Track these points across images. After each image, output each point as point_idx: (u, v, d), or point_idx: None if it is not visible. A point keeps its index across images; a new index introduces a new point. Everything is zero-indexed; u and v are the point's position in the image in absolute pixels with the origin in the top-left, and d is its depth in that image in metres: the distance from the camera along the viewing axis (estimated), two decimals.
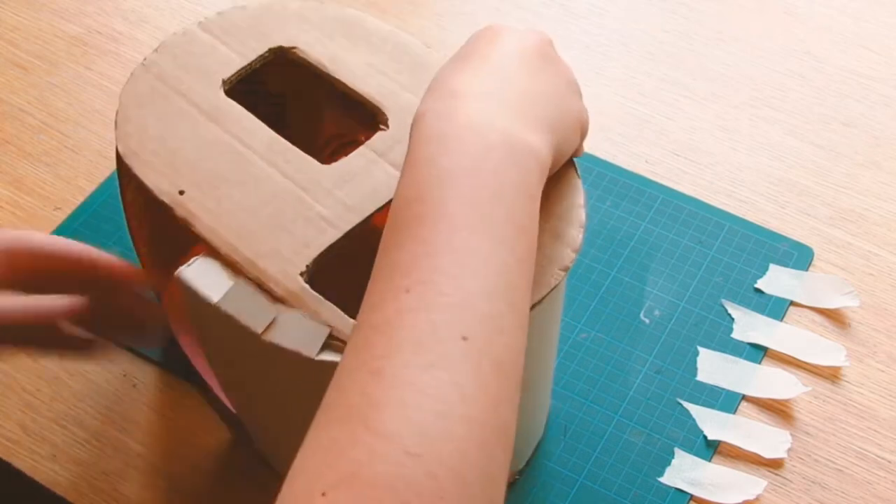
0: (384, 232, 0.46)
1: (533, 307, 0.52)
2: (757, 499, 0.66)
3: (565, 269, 0.54)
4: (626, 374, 0.71)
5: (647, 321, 0.74)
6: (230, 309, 0.52)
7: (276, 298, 0.53)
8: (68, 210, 0.79)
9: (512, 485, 0.66)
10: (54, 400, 0.70)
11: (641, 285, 0.75)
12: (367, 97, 0.61)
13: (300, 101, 0.66)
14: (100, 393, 0.71)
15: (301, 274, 0.53)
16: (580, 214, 0.55)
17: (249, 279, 0.53)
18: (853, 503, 0.66)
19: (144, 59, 0.62)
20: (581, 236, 0.55)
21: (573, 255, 0.54)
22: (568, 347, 0.72)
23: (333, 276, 0.55)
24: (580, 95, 0.54)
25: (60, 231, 0.78)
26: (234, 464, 0.68)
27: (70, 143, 0.84)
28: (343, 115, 0.67)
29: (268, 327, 0.52)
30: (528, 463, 0.67)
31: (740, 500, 0.66)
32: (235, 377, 0.61)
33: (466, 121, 0.47)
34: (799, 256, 0.76)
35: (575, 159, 0.56)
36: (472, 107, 0.48)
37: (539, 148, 0.48)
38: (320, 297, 0.53)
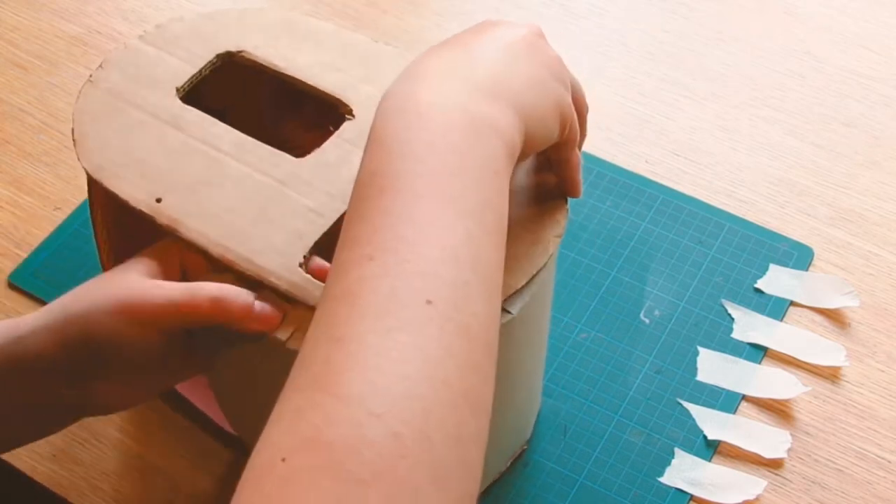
0: (349, 205, 0.46)
1: (531, 279, 0.53)
2: (757, 499, 0.66)
3: (559, 236, 0.55)
4: (626, 374, 0.71)
5: (647, 321, 0.74)
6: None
7: (281, 293, 0.53)
8: (68, 210, 0.79)
9: (495, 482, 0.66)
10: None
11: (641, 285, 0.75)
12: (328, 92, 0.60)
13: (242, 114, 0.65)
14: None
15: (300, 265, 0.53)
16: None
17: (249, 276, 0.53)
18: (853, 503, 0.66)
19: (90, 76, 0.62)
20: (566, 205, 0.56)
21: (564, 222, 0.55)
22: (568, 347, 0.72)
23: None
24: (565, 85, 0.54)
25: (60, 231, 0.78)
26: (234, 464, 0.68)
27: (70, 143, 0.83)
28: (296, 123, 0.67)
29: (293, 334, 0.52)
30: (526, 463, 0.67)
31: (740, 500, 0.66)
32: (243, 392, 0.60)
33: (429, 98, 0.48)
34: (799, 256, 0.76)
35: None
36: (437, 86, 0.48)
37: (504, 127, 0.48)
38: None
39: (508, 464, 0.67)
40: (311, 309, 0.52)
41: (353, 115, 0.59)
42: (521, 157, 0.51)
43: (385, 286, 0.42)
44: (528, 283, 0.53)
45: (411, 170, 0.45)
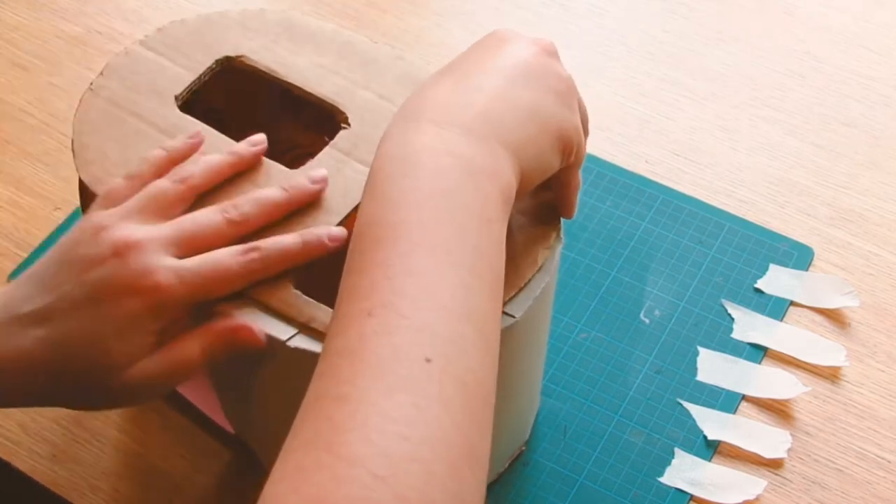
0: (348, 254, 0.47)
1: (520, 290, 0.53)
2: (757, 499, 0.66)
3: (548, 249, 0.54)
4: (626, 374, 0.71)
5: (647, 321, 0.74)
6: (250, 320, 0.52)
7: (269, 308, 0.53)
8: (68, 210, 0.79)
9: (495, 482, 0.66)
10: None
11: (641, 285, 0.75)
12: (324, 98, 0.60)
13: (241, 114, 0.65)
14: None
15: (289, 280, 0.53)
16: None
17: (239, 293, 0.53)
18: (853, 503, 0.66)
19: (91, 84, 0.62)
20: (559, 220, 0.56)
21: (554, 234, 0.55)
22: (568, 347, 0.72)
23: (320, 280, 0.55)
24: (572, 109, 0.53)
25: (60, 231, 0.78)
26: (233, 464, 0.68)
27: (70, 143, 0.84)
28: (295, 124, 0.67)
29: (294, 334, 0.52)
30: (526, 463, 0.67)
31: (740, 500, 0.66)
32: (242, 393, 0.60)
33: (423, 141, 0.48)
34: (799, 256, 0.76)
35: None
36: (433, 130, 0.48)
37: (498, 170, 0.48)
38: (314, 301, 0.53)
39: (508, 464, 0.67)
40: (318, 309, 0.52)
41: (349, 125, 0.59)
42: (519, 194, 0.50)
43: (385, 344, 0.42)
44: (512, 298, 0.53)
45: (406, 219, 0.45)
